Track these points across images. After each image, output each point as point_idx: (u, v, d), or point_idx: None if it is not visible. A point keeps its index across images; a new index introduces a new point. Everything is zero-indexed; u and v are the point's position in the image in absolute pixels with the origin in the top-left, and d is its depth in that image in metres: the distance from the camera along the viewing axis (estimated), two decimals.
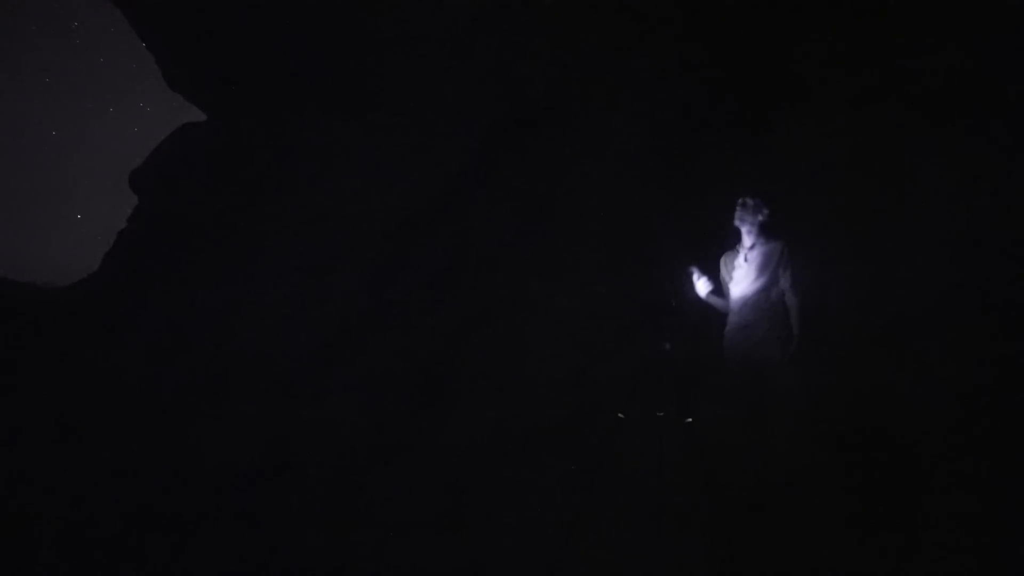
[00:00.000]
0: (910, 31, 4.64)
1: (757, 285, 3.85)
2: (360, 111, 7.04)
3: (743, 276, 3.92)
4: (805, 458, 3.58)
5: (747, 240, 3.97)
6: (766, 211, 3.92)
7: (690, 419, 4.06)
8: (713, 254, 4.17)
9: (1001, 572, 3.15)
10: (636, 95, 5.81)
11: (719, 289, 4.09)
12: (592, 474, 4.41)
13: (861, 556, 3.38)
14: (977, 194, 4.07)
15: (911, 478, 3.57)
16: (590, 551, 4.02)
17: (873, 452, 3.72)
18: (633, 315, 5.09)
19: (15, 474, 5.71)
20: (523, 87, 6.38)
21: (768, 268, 3.84)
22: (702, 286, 4.07)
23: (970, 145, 4.19)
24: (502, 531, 4.40)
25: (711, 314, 4.16)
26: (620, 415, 4.00)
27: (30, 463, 5.80)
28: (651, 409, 4.23)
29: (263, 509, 5.14)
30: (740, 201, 3.97)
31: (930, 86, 4.47)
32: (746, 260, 3.93)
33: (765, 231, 3.93)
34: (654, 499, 4.02)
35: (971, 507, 3.34)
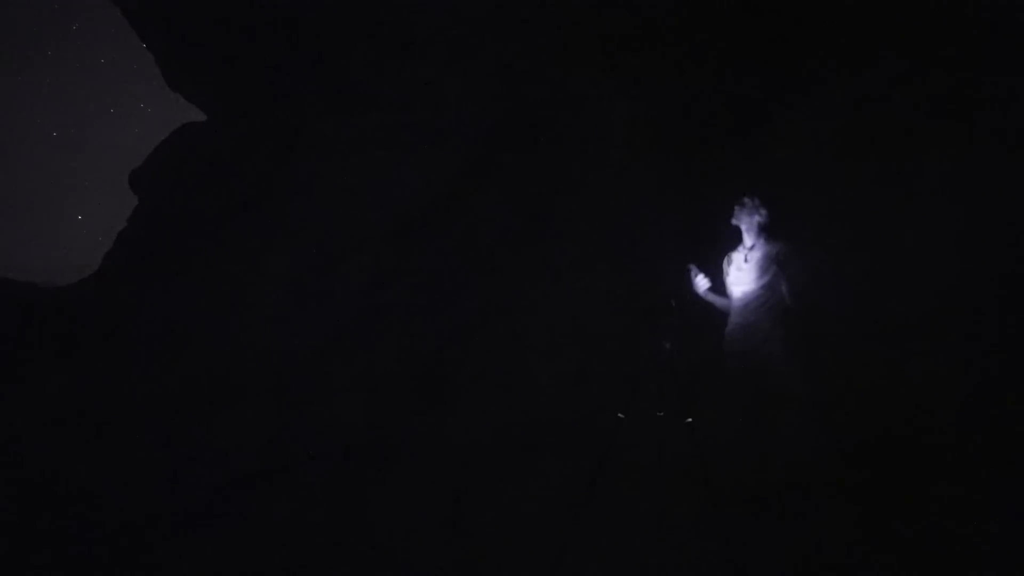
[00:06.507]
0: (910, 31, 4.65)
1: (758, 285, 3.84)
2: (361, 111, 7.04)
3: (744, 276, 3.91)
4: (805, 458, 3.58)
5: (748, 240, 3.96)
6: (766, 211, 3.91)
7: (690, 419, 4.05)
8: (714, 254, 4.16)
9: (1001, 569, 3.15)
10: (636, 95, 5.82)
11: (720, 289, 4.08)
12: (592, 474, 4.40)
13: (861, 556, 3.37)
14: (977, 194, 4.07)
15: (912, 477, 3.57)
16: (590, 552, 4.01)
17: (873, 451, 3.72)
18: (633, 315, 5.08)
19: (15, 473, 5.71)
20: (524, 87, 6.39)
21: (769, 268, 3.83)
22: (702, 286, 4.05)
23: (970, 145, 4.19)
24: (502, 532, 4.40)
25: (711, 314, 4.15)
26: (620, 415, 3.99)
27: (30, 463, 5.80)
28: (651, 409, 4.22)
29: (262, 510, 5.14)
30: (740, 201, 3.96)
31: (930, 86, 4.47)
32: (747, 260, 3.92)
33: (766, 231, 3.92)
34: (654, 499, 4.01)
35: (973, 506, 3.34)
